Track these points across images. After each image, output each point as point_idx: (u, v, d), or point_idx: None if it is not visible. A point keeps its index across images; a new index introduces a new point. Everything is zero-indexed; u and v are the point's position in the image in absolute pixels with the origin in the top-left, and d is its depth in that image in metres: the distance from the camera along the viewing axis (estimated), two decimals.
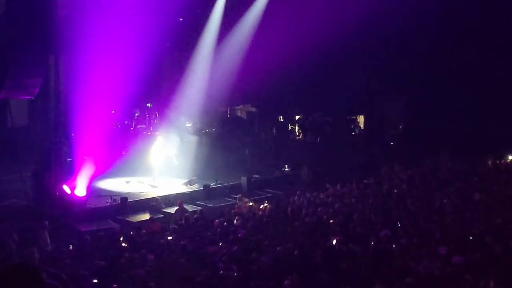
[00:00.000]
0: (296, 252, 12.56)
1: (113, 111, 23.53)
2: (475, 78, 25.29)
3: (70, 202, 17.89)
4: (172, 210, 18.75)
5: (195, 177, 21.65)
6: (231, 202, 19.96)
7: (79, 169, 18.59)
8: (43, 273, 4.25)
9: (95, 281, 11.33)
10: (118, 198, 18.98)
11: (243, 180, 21.87)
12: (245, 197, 19.43)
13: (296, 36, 24.02)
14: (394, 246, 13.04)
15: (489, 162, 22.50)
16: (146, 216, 18.31)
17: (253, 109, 30.24)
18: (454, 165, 22.30)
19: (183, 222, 16.32)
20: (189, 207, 19.40)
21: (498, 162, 22.69)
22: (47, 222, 15.18)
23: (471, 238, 13.59)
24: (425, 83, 26.67)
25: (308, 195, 18.58)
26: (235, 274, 11.47)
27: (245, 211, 17.44)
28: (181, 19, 25.00)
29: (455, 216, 15.31)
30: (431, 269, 11.49)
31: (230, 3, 25.39)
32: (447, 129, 25.98)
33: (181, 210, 17.98)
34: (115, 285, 10.99)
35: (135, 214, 18.66)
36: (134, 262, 12.46)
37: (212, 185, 21.32)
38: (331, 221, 15.39)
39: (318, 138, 28.22)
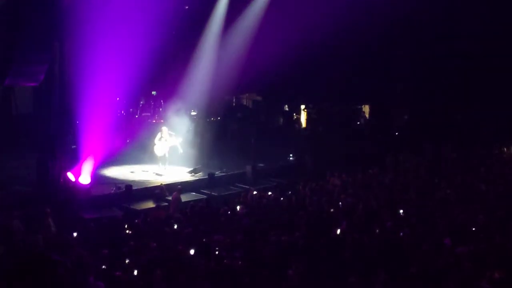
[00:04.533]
0: (300, 241, 12.54)
1: (118, 99, 23.49)
2: (481, 67, 25.20)
3: (74, 189, 17.90)
4: None
5: (200, 166, 21.65)
6: (236, 191, 19.96)
7: (84, 156, 18.58)
8: (59, 264, 4.27)
9: (104, 267, 11.35)
10: (122, 186, 18.98)
11: (248, 169, 21.86)
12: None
13: (303, 25, 23.93)
14: (398, 236, 13.02)
15: (495, 152, 22.47)
16: (150, 204, 18.32)
17: (259, 98, 30.20)
18: (459, 155, 22.26)
19: (188, 210, 16.31)
20: (194, 196, 19.41)
21: (503, 152, 22.65)
22: (49, 210, 15.16)
23: (475, 228, 13.56)
24: (431, 73, 26.57)
25: (313, 184, 18.56)
26: (240, 263, 11.46)
27: (250, 200, 17.43)
28: (187, 7, 24.92)
29: (459, 207, 15.27)
30: (435, 259, 11.47)
31: None
32: (452, 119, 25.93)
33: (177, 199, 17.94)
34: (118, 273, 10.99)
35: (140, 202, 18.65)
36: (138, 250, 12.46)
37: (217, 174, 21.31)
38: (331, 210, 15.39)
39: (324, 128, 28.15)
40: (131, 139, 23.60)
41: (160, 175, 21.03)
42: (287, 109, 29.81)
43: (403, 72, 27.14)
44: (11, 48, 17.23)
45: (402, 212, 15.06)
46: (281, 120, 29.52)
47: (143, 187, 19.67)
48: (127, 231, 14.28)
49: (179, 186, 18.49)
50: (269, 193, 18.17)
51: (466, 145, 23.01)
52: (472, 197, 16.28)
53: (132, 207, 18.08)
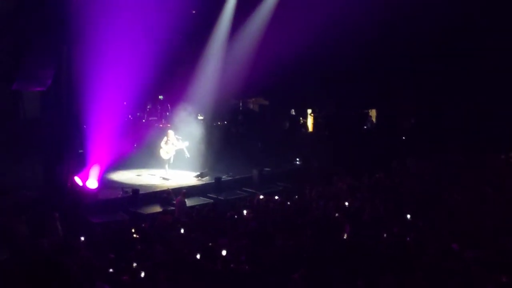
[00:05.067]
0: (307, 245, 12.53)
1: (125, 103, 23.54)
2: (489, 71, 25.09)
3: (81, 193, 17.94)
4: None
5: (207, 170, 21.67)
6: (243, 195, 19.96)
7: (91, 161, 18.63)
8: (66, 267, 4.29)
9: (110, 271, 11.37)
10: (129, 190, 19.03)
11: (255, 173, 21.86)
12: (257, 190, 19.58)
13: (310, 30, 23.93)
14: (405, 240, 12.99)
15: (502, 157, 22.36)
16: (157, 208, 18.34)
17: (265, 102, 30.20)
18: (466, 159, 22.17)
19: (194, 214, 16.33)
20: (200, 200, 19.44)
21: (511, 157, 22.53)
22: (57, 214, 15.20)
23: (483, 233, 13.51)
24: (438, 77, 26.50)
25: (319, 188, 18.53)
26: (246, 267, 11.47)
27: (256, 204, 17.42)
28: (194, 12, 24.96)
29: (467, 211, 15.23)
30: (442, 263, 11.44)
31: None
32: (460, 123, 25.83)
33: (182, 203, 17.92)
34: (125, 277, 11.02)
35: (147, 206, 18.69)
36: (145, 254, 12.48)
37: (224, 178, 21.32)
38: (338, 215, 15.36)
39: (330, 132, 28.11)
40: (138, 144, 23.64)
41: (167, 179, 21.07)
42: (293, 113, 29.78)
43: (410, 76, 27.07)
44: (19, 53, 17.32)
45: (409, 217, 15.02)
46: (288, 124, 29.49)
47: (150, 191, 19.71)
48: (134, 235, 14.31)
49: (183, 190, 18.52)
50: (276, 197, 18.16)
51: (474, 149, 22.92)
52: (480, 202, 16.22)
53: (139, 211, 18.13)
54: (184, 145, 21.48)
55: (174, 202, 18.33)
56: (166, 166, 21.54)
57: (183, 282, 11.03)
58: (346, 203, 16.54)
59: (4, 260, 12.20)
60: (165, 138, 21.58)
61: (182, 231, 14.49)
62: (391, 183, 19.11)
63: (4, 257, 12.40)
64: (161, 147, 21.52)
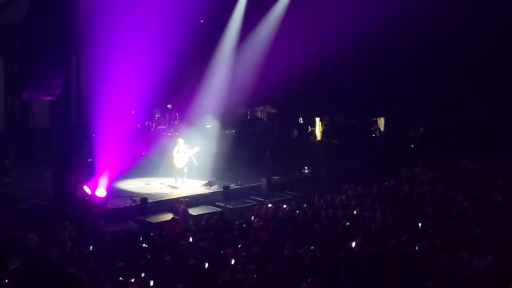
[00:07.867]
0: (315, 254, 12.51)
1: (133, 112, 23.61)
2: (499, 78, 25.03)
3: (90, 202, 17.98)
4: (193, 211, 18.71)
5: (215, 178, 21.66)
6: (251, 204, 19.95)
7: (100, 170, 18.67)
8: (78, 278, 4.27)
9: (119, 279, 11.37)
10: (138, 199, 19.05)
11: (263, 181, 21.85)
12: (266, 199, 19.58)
13: (317, 38, 23.97)
14: (414, 249, 12.96)
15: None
16: (165, 217, 18.34)
17: (274, 111, 30.23)
18: (476, 167, 22.11)
19: (203, 223, 16.32)
20: (209, 208, 19.44)
21: None
22: (67, 223, 15.24)
23: (493, 241, 13.46)
24: (447, 84, 26.46)
25: (328, 197, 18.51)
26: (254, 276, 11.45)
27: (265, 212, 17.40)
28: (202, 21, 25.05)
29: (477, 219, 15.18)
30: (452, 272, 11.40)
31: (251, 4, 25.42)
32: (469, 130, 25.77)
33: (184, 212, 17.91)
34: (134, 286, 11.01)
35: (155, 214, 18.71)
36: (153, 263, 12.49)
37: (232, 186, 21.33)
38: (347, 224, 15.33)
39: (338, 140, 28.09)
40: (146, 152, 23.67)
41: (176, 188, 21.06)
42: (301, 121, 29.78)
43: (419, 84, 27.05)
44: (28, 63, 17.42)
45: (419, 225, 14.98)
46: (296, 132, 29.51)
47: (158, 200, 19.73)
48: (143, 244, 14.32)
49: (186, 199, 18.51)
50: (284, 206, 18.15)
51: (484, 157, 22.86)
52: (490, 210, 16.16)
53: (147, 220, 18.14)
54: (194, 151, 21.40)
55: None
56: (178, 175, 21.40)
57: None
58: (355, 212, 16.52)
59: (15, 269, 12.24)
60: (176, 147, 21.52)
61: (190, 239, 14.50)
62: (400, 191, 19.06)
63: (15, 265, 12.43)
64: (173, 157, 21.44)
